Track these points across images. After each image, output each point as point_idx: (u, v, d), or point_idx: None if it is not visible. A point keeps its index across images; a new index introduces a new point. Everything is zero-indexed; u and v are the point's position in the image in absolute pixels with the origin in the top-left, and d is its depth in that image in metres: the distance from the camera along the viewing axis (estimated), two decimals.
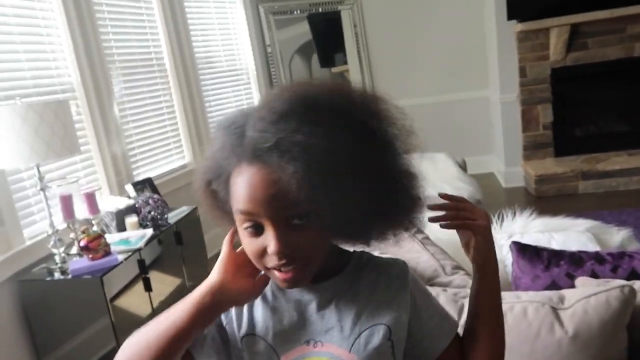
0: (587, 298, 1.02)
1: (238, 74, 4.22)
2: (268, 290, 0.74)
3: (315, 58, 5.08)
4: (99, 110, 2.81)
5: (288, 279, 0.65)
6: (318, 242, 0.65)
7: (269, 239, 0.62)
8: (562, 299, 1.04)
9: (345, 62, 5.06)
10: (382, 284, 0.72)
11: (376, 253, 0.79)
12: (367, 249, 0.74)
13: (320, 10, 4.81)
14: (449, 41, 4.64)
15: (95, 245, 2.09)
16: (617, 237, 1.50)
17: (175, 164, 3.52)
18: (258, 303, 0.74)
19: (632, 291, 1.00)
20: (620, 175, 3.83)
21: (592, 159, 4.06)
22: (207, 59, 3.91)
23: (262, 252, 0.64)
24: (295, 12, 4.69)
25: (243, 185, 0.63)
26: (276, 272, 0.65)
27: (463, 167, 3.23)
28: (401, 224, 0.70)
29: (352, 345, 0.69)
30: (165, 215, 2.69)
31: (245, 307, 0.74)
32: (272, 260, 0.64)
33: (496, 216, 1.72)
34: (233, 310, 0.74)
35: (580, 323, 0.99)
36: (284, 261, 0.63)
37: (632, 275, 1.18)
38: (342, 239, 0.71)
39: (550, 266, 1.23)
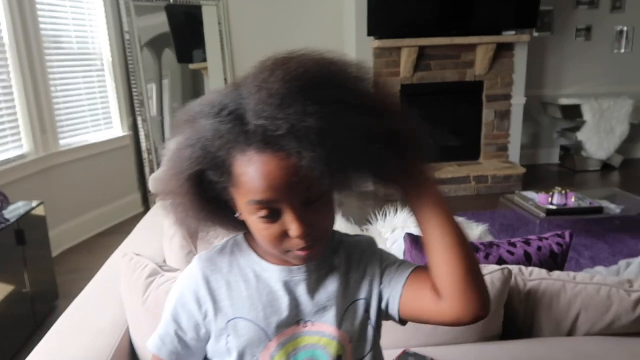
0: None
1: (91, 59, 3.81)
2: (250, 273, 0.72)
3: (167, 52, 4.84)
4: None
5: (310, 255, 0.66)
6: (331, 215, 0.67)
7: (289, 222, 0.62)
8: None
9: (204, 59, 4.93)
10: (356, 260, 0.75)
11: None
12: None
13: (179, 2, 4.60)
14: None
15: None
16: (476, 231, 1.73)
17: (10, 154, 3.05)
18: (240, 286, 0.71)
19: (510, 272, 1.17)
20: (450, 183, 4.40)
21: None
22: (55, 37, 3.46)
23: (282, 236, 0.64)
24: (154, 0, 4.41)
25: (257, 175, 0.60)
26: (295, 252, 0.65)
27: None
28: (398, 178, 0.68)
29: (341, 323, 0.71)
30: (3, 211, 2.32)
31: (224, 292, 0.71)
32: (295, 243, 0.64)
33: (380, 212, 1.86)
34: (208, 302, 0.71)
35: None
36: (307, 243, 0.64)
37: (500, 261, 1.38)
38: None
39: None
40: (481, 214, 3.66)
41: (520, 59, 4.55)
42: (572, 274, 1.23)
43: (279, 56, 0.64)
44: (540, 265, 1.38)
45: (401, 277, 0.72)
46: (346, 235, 0.78)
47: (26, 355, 1.11)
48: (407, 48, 4.30)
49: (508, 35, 4.41)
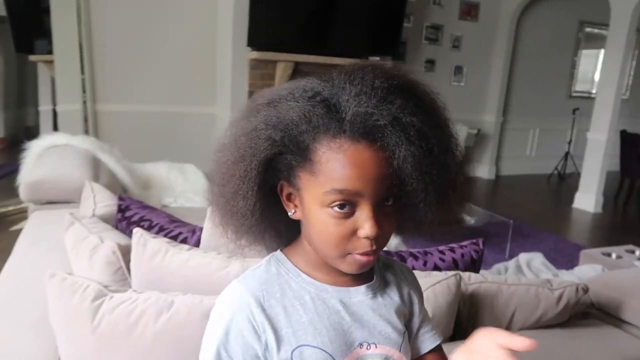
0: (434, 285, 1.24)
1: None
2: (306, 295, 0.66)
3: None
4: None
5: (368, 262, 0.63)
6: (393, 228, 0.65)
7: (364, 220, 0.59)
8: None
9: (50, 52, 4.34)
10: (405, 283, 0.76)
11: None
12: None
13: None
14: (181, 55, 4.62)
15: None
16: (393, 241, 1.84)
17: None
18: (299, 311, 0.65)
19: (460, 278, 1.27)
20: None
21: None
22: None
23: (350, 236, 0.60)
24: None
25: (348, 163, 0.58)
26: (355, 257, 0.62)
27: None
28: (451, 220, 0.69)
29: (401, 346, 0.69)
30: None
31: (283, 319, 0.64)
32: (362, 245, 0.60)
33: None
34: (268, 331, 0.63)
35: (433, 306, 1.20)
36: (373, 247, 0.61)
37: (435, 267, 1.49)
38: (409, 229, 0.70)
39: None
40: None
41: None
42: (502, 277, 1.39)
43: (370, 62, 0.65)
44: (465, 269, 1.54)
45: (428, 343, 0.77)
46: (384, 256, 0.78)
47: None
48: (284, 62, 4.38)
49: (373, 61, 4.79)
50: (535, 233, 4.27)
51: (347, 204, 0.59)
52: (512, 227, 3.70)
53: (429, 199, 0.62)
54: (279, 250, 0.71)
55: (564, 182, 6.45)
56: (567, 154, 6.52)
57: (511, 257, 3.22)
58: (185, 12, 4.55)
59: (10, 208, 3.69)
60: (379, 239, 0.61)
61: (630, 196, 5.49)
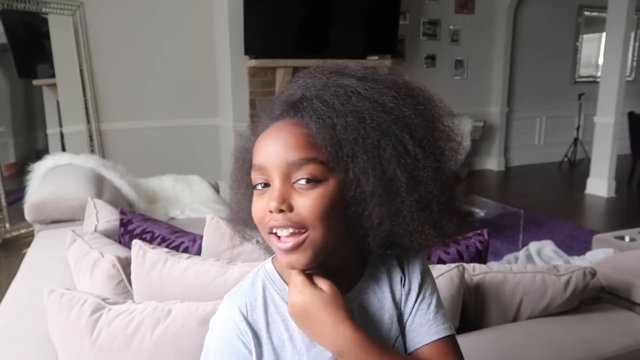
0: (437, 278, 1.22)
1: None
2: (287, 310, 0.65)
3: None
4: None
5: (287, 249, 0.59)
6: (321, 211, 0.59)
7: (269, 194, 0.60)
8: None
9: (52, 75, 4.39)
10: (395, 277, 0.71)
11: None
12: None
13: (19, 7, 4.01)
14: (181, 69, 4.65)
15: None
16: None
17: None
18: (280, 327, 0.65)
19: (464, 269, 1.25)
20: None
21: None
22: None
23: (265, 213, 0.61)
24: None
25: (260, 140, 0.63)
26: (275, 241, 0.61)
27: (217, 189, 3.26)
28: (431, 233, 0.62)
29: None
30: None
31: (265, 335, 0.65)
32: (272, 218, 0.60)
33: None
34: (254, 346, 0.64)
35: None
36: (279, 219, 0.59)
37: (440, 261, 1.47)
38: (354, 226, 0.62)
39: None
40: None
41: None
42: (507, 265, 1.37)
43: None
44: (471, 261, 1.51)
45: (428, 335, 0.69)
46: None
47: None
48: (282, 69, 4.39)
49: (372, 60, 4.77)
50: (549, 221, 4.21)
51: (264, 183, 0.61)
52: (524, 217, 3.65)
53: (369, 185, 0.58)
54: (269, 259, 0.70)
55: (575, 169, 6.37)
56: (576, 140, 6.44)
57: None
58: (181, 25, 4.58)
59: (22, 231, 3.73)
60: (291, 215, 0.59)
61: None
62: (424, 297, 0.70)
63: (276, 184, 0.59)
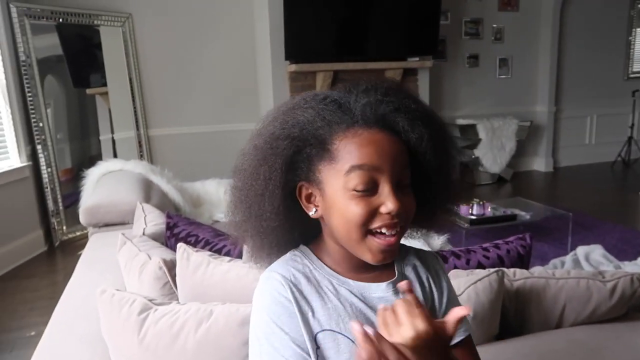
0: (475, 284, 1.21)
1: None
2: (329, 288, 0.69)
3: (56, 76, 4.45)
4: None
5: (392, 244, 0.65)
6: (413, 208, 0.67)
7: (385, 196, 0.63)
8: None
9: (104, 84, 4.61)
10: (424, 278, 0.76)
11: None
12: None
13: (74, 21, 4.24)
14: (224, 75, 4.77)
15: None
16: (437, 241, 1.82)
17: None
18: (324, 300, 0.68)
19: (503, 274, 1.24)
20: None
21: None
22: None
23: (371, 215, 0.63)
24: (50, 18, 4.03)
25: (364, 143, 0.63)
26: (378, 239, 0.64)
27: None
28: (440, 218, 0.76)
29: None
30: None
31: (305, 307, 0.67)
32: (384, 220, 0.63)
33: None
34: (296, 309, 0.66)
35: (475, 305, 1.17)
36: (396, 220, 0.63)
37: (479, 266, 1.45)
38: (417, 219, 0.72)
39: None
40: None
41: (423, 83, 4.90)
42: (549, 270, 1.34)
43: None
44: (512, 266, 1.48)
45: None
46: (411, 247, 0.79)
47: None
48: (323, 72, 4.42)
49: (413, 61, 4.74)
50: (600, 224, 4.03)
51: (368, 184, 0.63)
52: (573, 220, 3.52)
53: (443, 179, 0.69)
54: (302, 245, 0.74)
55: (629, 169, 6.08)
56: (629, 138, 6.14)
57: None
58: (223, 34, 4.71)
59: (78, 234, 3.93)
60: (401, 217, 0.64)
61: None
62: (441, 297, 0.76)
63: (390, 188, 0.63)
